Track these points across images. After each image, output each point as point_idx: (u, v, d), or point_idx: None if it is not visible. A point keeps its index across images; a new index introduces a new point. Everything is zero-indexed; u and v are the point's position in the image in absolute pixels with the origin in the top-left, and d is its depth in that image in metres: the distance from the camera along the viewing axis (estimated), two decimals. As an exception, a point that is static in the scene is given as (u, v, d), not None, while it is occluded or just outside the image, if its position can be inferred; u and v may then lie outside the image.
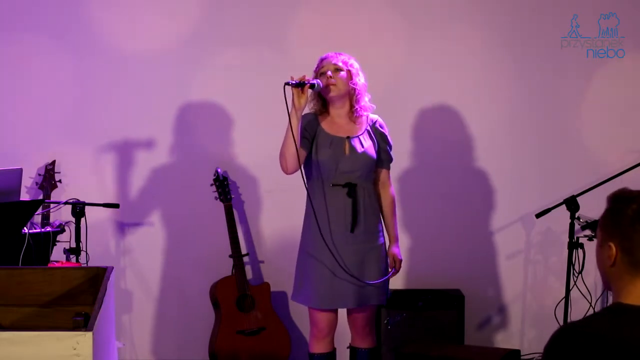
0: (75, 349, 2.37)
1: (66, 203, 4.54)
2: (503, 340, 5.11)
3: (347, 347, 4.20)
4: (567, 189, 4.68)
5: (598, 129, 5.04)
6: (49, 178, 4.81)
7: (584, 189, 4.48)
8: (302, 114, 3.83)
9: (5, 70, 4.94)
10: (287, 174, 3.89)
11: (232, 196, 4.82)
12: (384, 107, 4.15)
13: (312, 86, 3.80)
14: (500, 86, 5.03)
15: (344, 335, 4.33)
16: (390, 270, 4.03)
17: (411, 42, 5.01)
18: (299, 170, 3.82)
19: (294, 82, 3.74)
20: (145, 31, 4.96)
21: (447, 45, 5.00)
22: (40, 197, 4.75)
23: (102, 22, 4.95)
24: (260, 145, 5.00)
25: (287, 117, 3.76)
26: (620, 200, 2.01)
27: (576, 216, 4.43)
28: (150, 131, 4.99)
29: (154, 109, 4.99)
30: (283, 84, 3.72)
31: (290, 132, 3.76)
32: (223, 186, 4.77)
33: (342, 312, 4.10)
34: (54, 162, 4.86)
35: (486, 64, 5.02)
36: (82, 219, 4.48)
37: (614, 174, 4.54)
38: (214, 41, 4.98)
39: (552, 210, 4.52)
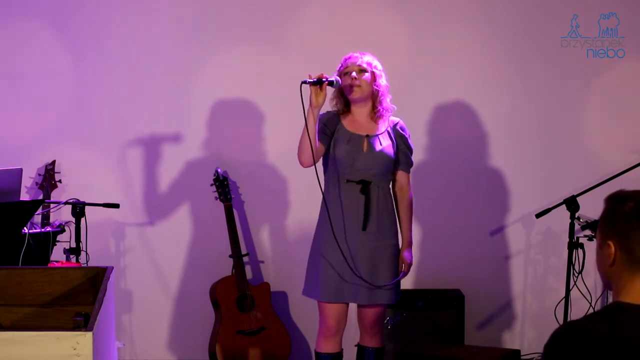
0: (75, 349, 2.37)
1: (66, 203, 4.54)
2: (503, 340, 5.11)
3: (355, 345, 4.19)
4: (567, 189, 4.68)
5: (598, 129, 5.04)
6: (49, 178, 4.81)
7: (584, 189, 4.48)
8: (325, 111, 3.82)
9: (5, 70, 4.94)
10: (303, 167, 3.89)
11: (232, 196, 4.82)
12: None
13: (330, 83, 3.77)
14: (500, 86, 5.03)
15: (351, 335, 4.33)
16: (399, 272, 4.01)
17: (411, 42, 5.01)
18: (314, 167, 3.79)
19: (311, 80, 3.73)
20: (146, 30, 4.96)
21: (446, 45, 4.99)
22: (40, 197, 4.75)
23: (102, 22, 4.95)
24: (261, 144, 5.00)
25: (292, 117, 3.72)
26: (616, 200, 2.02)
27: (576, 216, 4.43)
28: (151, 131, 4.98)
29: (154, 109, 4.99)
30: (300, 83, 3.69)
31: (307, 130, 3.74)
32: (223, 186, 4.77)
33: (352, 313, 4.10)
34: (54, 162, 4.86)
35: (486, 64, 5.02)
36: (82, 219, 4.48)
37: (614, 174, 4.54)
38: (215, 40, 4.97)
39: (552, 210, 4.51)
